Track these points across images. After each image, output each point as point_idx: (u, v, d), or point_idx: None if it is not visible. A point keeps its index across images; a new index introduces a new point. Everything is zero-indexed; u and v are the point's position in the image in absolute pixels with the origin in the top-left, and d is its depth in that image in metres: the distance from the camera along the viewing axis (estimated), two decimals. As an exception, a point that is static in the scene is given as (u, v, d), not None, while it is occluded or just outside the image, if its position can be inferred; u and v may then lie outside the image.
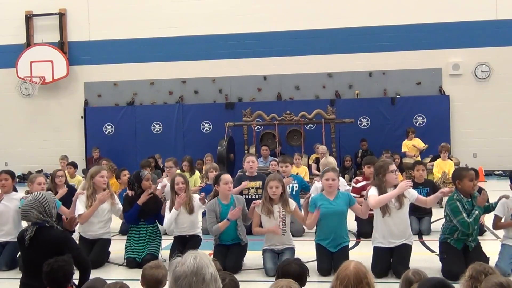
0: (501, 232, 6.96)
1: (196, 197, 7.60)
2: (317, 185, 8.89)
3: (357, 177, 9.36)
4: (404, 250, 6.64)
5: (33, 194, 5.42)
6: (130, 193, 7.64)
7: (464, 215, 6.41)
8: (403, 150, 15.60)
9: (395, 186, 6.62)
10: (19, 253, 5.55)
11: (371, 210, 6.88)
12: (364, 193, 8.39)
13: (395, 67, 17.87)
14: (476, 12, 17.44)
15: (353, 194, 8.55)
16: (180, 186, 7.38)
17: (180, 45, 18.75)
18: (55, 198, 5.52)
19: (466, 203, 6.50)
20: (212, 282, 2.82)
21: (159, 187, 9.50)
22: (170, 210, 7.36)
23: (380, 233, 6.70)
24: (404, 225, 6.72)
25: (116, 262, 7.57)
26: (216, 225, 7.05)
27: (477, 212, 6.42)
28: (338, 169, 8.97)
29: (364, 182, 8.86)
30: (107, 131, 19.18)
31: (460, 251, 6.52)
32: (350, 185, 9.62)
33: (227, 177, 7.30)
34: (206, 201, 7.48)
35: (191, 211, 7.41)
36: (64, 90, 19.60)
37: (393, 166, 6.75)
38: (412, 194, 6.73)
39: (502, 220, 6.80)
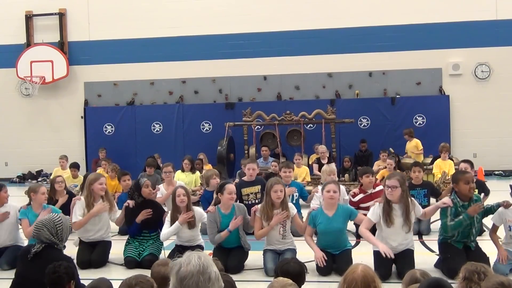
0: (500, 233, 6.95)
1: (197, 209, 7.43)
2: (317, 195, 8.84)
3: (354, 190, 9.12)
4: (408, 255, 6.62)
5: (52, 215, 5.41)
6: (131, 203, 7.53)
7: (449, 218, 6.49)
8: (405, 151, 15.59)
9: (402, 201, 6.57)
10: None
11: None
12: (363, 205, 8.42)
13: (395, 67, 17.87)
14: (476, 12, 17.44)
15: None
16: (181, 198, 7.14)
17: (180, 45, 18.75)
18: (68, 220, 5.51)
19: (461, 207, 6.51)
20: (216, 281, 2.83)
21: (159, 194, 9.47)
22: (171, 222, 7.17)
23: (381, 239, 6.63)
24: (408, 238, 6.70)
25: (115, 262, 7.56)
26: (218, 235, 7.00)
27: (461, 217, 6.41)
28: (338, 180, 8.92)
29: (361, 195, 8.76)
30: (107, 131, 19.18)
31: (461, 250, 6.54)
32: (348, 191, 9.53)
33: (231, 187, 7.11)
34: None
35: (191, 225, 7.19)
36: (64, 90, 19.60)
37: (389, 181, 6.54)
38: (418, 211, 6.70)
39: (502, 232, 6.81)
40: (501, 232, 6.89)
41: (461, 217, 6.43)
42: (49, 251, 5.09)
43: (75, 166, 13.03)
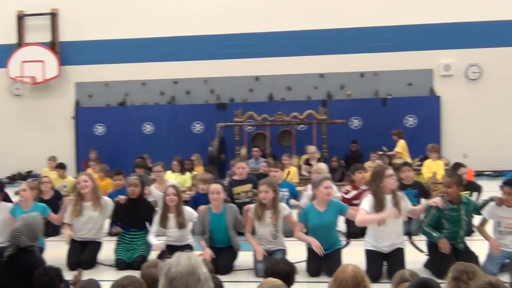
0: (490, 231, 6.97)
1: (187, 209, 7.43)
2: (306, 194, 8.82)
3: (346, 187, 9.15)
4: (399, 254, 6.64)
5: (23, 217, 5.39)
6: (122, 199, 7.66)
7: (426, 220, 6.61)
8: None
9: (393, 191, 6.59)
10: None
11: None
12: (356, 202, 8.42)
13: (386, 68, 17.89)
14: (468, 13, 17.50)
15: None
16: (171, 197, 7.20)
17: (172, 45, 18.71)
18: (41, 216, 5.69)
19: (448, 210, 6.52)
20: (206, 281, 2.83)
21: (152, 198, 9.42)
22: (160, 221, 7.27)
23: (373, 238, 6.68)
24: (398, 232, 6.72)
25: (105, 263, 7.54)
26: (198, 239, 7.15)
27: (435, 235, 6.51)
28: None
29: (354, 192, 8.80)
30: (98, 132, 19.11)
31: (451, 251, 6.55)
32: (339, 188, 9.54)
33: (213, 187, 7.17)
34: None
35: (180, 225, 7.22)
36: (55, 90, 19.51)
37: (389, 171, 6.67)
38: (407, 206, 6.72)
39: (489, 226, 6.82)
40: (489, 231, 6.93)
41: (435, 234, 6.52)
42: (22, 254, 5.03)
43: (60, 167, 12.96)
